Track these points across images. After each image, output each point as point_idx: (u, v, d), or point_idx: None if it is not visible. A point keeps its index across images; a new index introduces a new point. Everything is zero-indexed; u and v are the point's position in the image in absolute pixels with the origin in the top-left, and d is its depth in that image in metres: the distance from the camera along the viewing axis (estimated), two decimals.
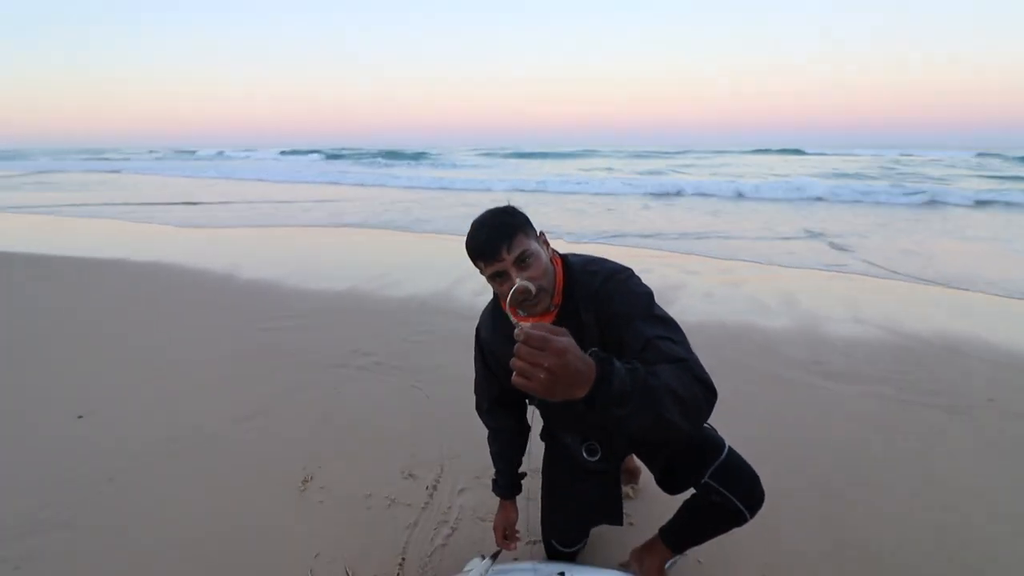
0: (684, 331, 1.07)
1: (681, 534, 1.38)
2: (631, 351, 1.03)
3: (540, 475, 1.53)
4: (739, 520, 1.24)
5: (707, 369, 0.97)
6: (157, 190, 14.41)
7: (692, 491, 1.32)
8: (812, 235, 7.09)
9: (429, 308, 4.00)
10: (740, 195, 12.10)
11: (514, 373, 0.75)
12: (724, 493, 1.21)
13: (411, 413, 2.50)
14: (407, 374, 2.90)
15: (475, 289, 4.34)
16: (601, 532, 1.64)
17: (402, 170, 22.27)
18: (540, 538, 1.54)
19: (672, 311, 1.12)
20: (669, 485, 1.37)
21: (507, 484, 1.49)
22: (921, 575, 1.57)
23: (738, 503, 1.21)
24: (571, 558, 1.52)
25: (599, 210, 9.97)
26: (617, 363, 0.82)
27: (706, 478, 1.23)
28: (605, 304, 1.14)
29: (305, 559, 1.63)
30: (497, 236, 1.10)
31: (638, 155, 34.43)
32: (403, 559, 1.62)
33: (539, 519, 1.51)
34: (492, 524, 1.55)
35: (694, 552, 1.52)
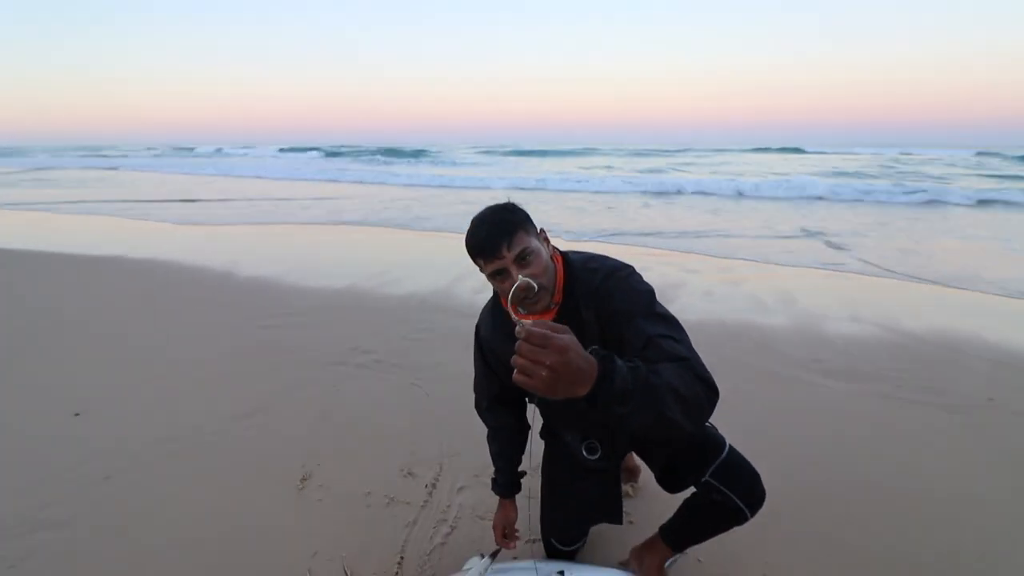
0: (685, 329, 1.06)
1: (681, 533, 1.37)
2: (632, 349, 1.02)
3: (540, 474, 1.52)
4: (740, 519, 1.23)
5: (707, 367, 0.96)
6: (155, 187, 14.38)
7: (692, 489, 1.31)
8: (812, 234, 7.09)
9: (429, 306, 3.99)
10: (740, 194, 12.09)
11: (515, 371, 0.75)
12: (725, 492, 1.21)
13: (410, 411, 2.50)
14: (407, 372, 2.89)
15: (475, 287, 4.33)
16: (600, 531, 1.64)
17: (401, 167, 22.25)
18: (539, 536, 1.54)
19: (672, 309, 1.12)
20: (669, 483, 1.36)
21: (506, 483, 1.48)
22: (919, 573, 1.56)
23: (739, 502, 1.20)
24: (570, 557, 1.51)
25: (599, 208, 9.96)
26: (619, 361, 0.81)
27: (707, 476, 1.22)
28: (606, 301, 1.13)
29: (303, 557, 1.62)
30: (497, 233, 1.09)
31: (638, 153, 34.40)
32: (402, 557, 1.61)
33: (539, 518, 1.51)
34: (491, 523, 1.54)
35: (694, 551, 1.51)
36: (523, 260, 1.09)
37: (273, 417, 2.44)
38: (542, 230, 1.19)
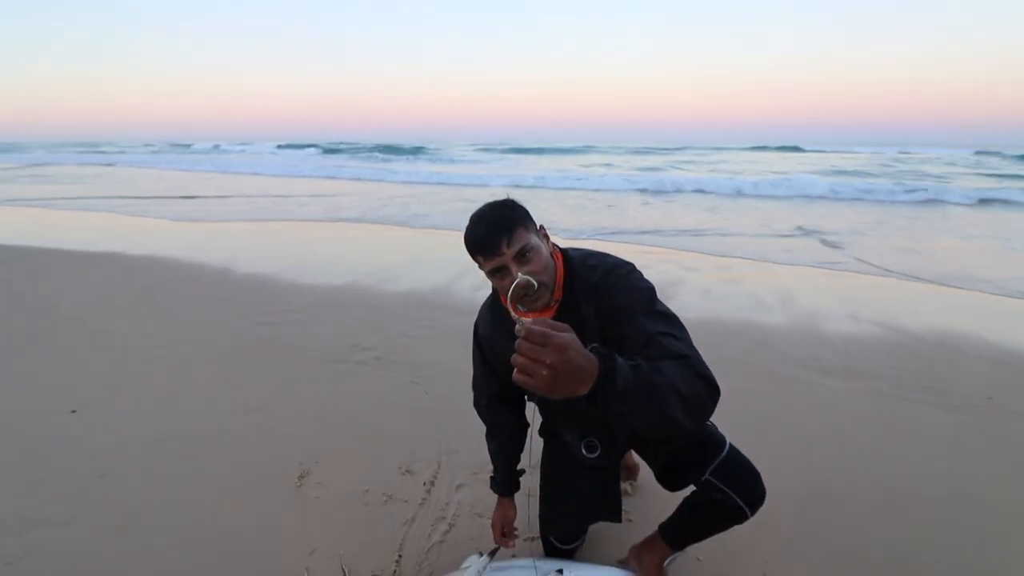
0: (686, 327, 1.06)
1: (681, 531, 1.37)
2: (633, 346, 1.02)
3: (539, 471, 1.52)
4: (740, 517, 1.22)
5: (708, 365, 0.96)
6: (152, 183, 14.34)
7: (691, 488, 1.31)
8: (810, 233, 7.09)
9: (428, 303, 3.98)
10: (738, 192, 12.09)
11: (515, 370, 0.74)
12: (725, 490, 1.20)
13: (409, 409, 2.49)
14: (406, 369, 2.88)
15: (474, 284, 4.32)
16: (599, 529, 1.63)
17: (400, 165, 22.21)
18: (538, 535, 1.54)
19: (671, 307, 1.11)
20: (669, 482, 1.36)
21: (505, 481, 1.48)
22: (919, 573, 1.56)
23: (739, 500, 1.20)
24: (569, 555, 1.51)
25: (598, 206, 9.96)
26: (620, 359, 0.80)
27: (707, 475, 1.22)
28: (605, 298, 1.12)
29: (301, 556, 1.61)
30: (497, 230, 1.07)
31: (637, 151, 34.36)
32: (400, 555, 1.61)
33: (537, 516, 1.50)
34: (490, 521, 1.54)
35: (693, 549, 1.51)
36: (523, 257, 1.08)
37: (271, 414, 2.43)
38: (541, 227, 1.18)
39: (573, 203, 10.45)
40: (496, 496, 1.51)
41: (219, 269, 4.98)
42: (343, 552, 1.62)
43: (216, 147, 44.75)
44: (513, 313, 0.79)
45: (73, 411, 2.44)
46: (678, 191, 12.54)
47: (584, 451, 1.34)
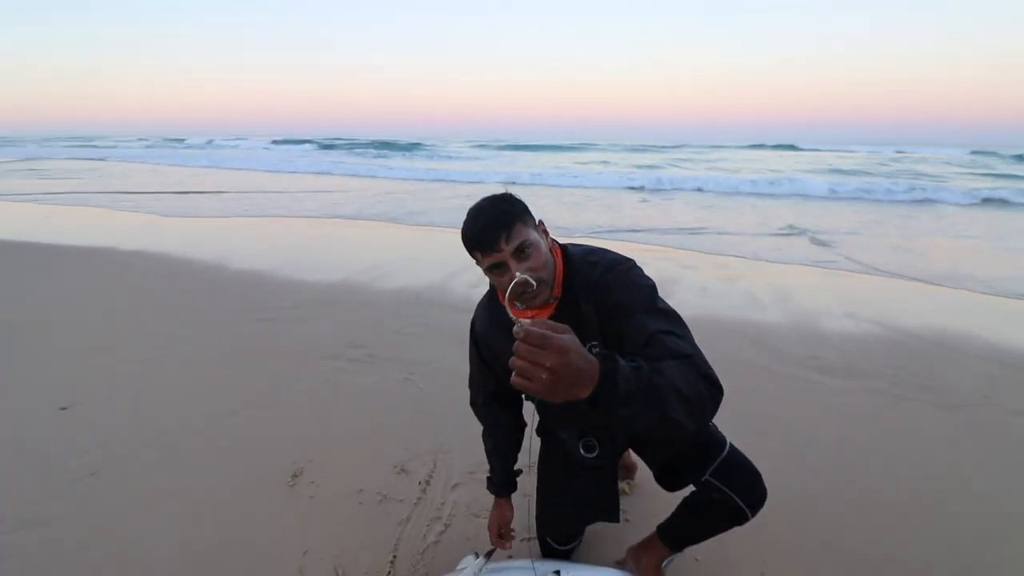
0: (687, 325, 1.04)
1: (680, 532, 1.35)
2: (633, 345, 0.99)
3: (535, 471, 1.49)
4: (740, 519, 1.21)
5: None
6: (146, 178, 14.21)
7: (690, 488, 1.29)
8: (806, 232, 7.08)
9: (423, 300, 3.95)
10: (735, 190, 12.09)
11: (513, 373, 0.71)
12: (725, 491, 1.18)
13: (404, 407, 2.46)
14: (400, 367, 2.86)
15: (470, 281, 4.30)
16: (596, 529, 1.61)
17: (396, 161, 22.10)
18: (535, 535, 1.51)
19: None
20: (668, 482, 1.34)
21: (502, 481, 1.45)
22: (917, 572, 1.55)
23: (739, 501, 1.18)
24: (566, 556, 1.49)
25: (594, 204, 9.93)
26: (621, 361, 0.77)
27: (707, 476, 1.20)
28: (605, 295, 1.10)
29: (294, 556, 1.59)
30: (495, 225, 1.05)
31: (634, 149, 34.33)
32: (394, 556, 1.58)
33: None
34: (486, 521, 1.51)
35: (691, 550, 1.49)
36: (522, 253, 1.05)
37: (264, 412, 2.40)
38: (540, 222, 1.15)
39: (570, 200, 10.42)
40: (493, 496, 1.49)
41: (212, 265, 4.94)
42: (337, 552, 1.60)
43: (210, 142, 44.43)
44: (511, 313, 0.76)
45: (63, 408, 2.40)
46: (675, 189, 12.54)
47: (582, 451, 1.32)
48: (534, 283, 1.03)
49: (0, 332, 3.29)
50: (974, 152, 30.62)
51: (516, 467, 1.48)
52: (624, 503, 1.73)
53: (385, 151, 29.25)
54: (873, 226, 7.66)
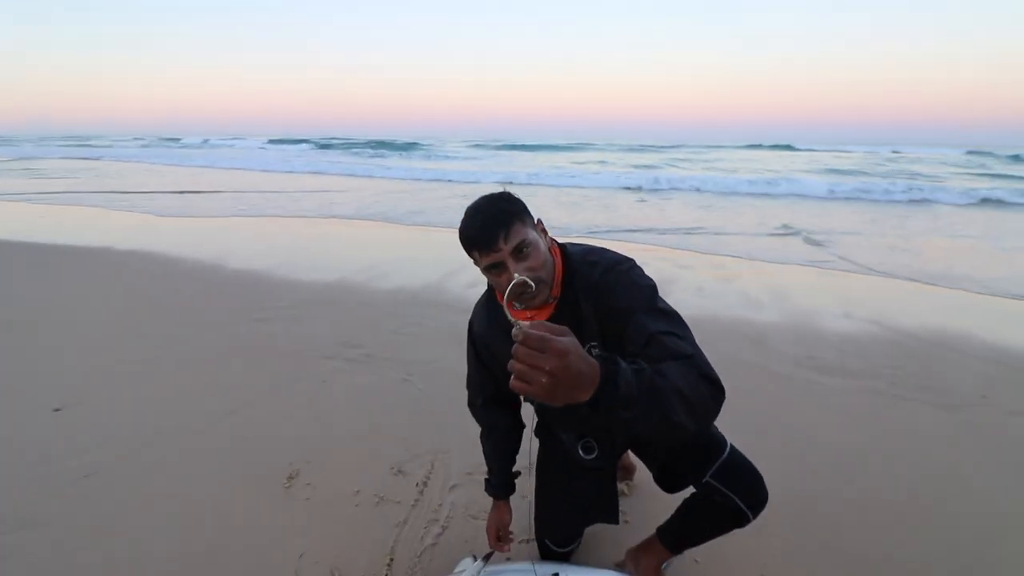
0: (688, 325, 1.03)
1: (680, 534, 1.34)
2: (634, 346, 0.98)
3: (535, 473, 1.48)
4: (741, 521, 1.20)
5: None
6: (141, 178, 14.14)
7: (690, 489, 1.28)
8: (795, 232, 7.08)
9: (420, 300, 3.93)
10: (732, 191, 12.10)
11: (512, 377, 0.69)
12: (726, 493, 1.17)
13: (401, 407, 2.45)
14: (397, 367, 2.84)
15: (468, 281, 4.28)
16: (595, 531, 1.60)
17: (393, 161, 22.06)
18: (533, 537, 1.50)
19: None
20: (668, 484, 1.33)
21: (500, 483, 1.44)
22: (916, 572, 1.55)
23: (741, 503, 1.17)
24: (565, 558, 1.48)
25: (592, 203, 9.92)
26: (622, 363, 0.76)
27: (707, 477, 1.19)
28: (605, 296, 1.08)
29: (290, 558, 1.57)
30: (493, 224, 1.03)
31: (632, 149, 34.34)
32: (391, 559, 1.57)
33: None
34: (484, 523, 1.50)
35: (691, 551, 1.48)
36: (520, 253, 1.04)
37: (260, 413, 2.38)
38: (539, 220, 1.14)
39: (567, 200, 10.41)
40: (491, 498, 1.47)
41: (209, 265, 4.91)
42: (333, 556, 1.58)
43: (206, 141, 44.25)
44: (509, 313, 0.74)
45: (57, 409, 2.38)
46: (672, 189, 12.54)
47: (581, 452, 1.31)
48: (533, 284, 1.02)
49: None
50: (970, 152, 30.71)
51: (515, 469, 1.47)
52: (623, 504, 1.72)
53: (382, 151, 29.18)
54: (868, 226, 7.67)
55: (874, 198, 10.94)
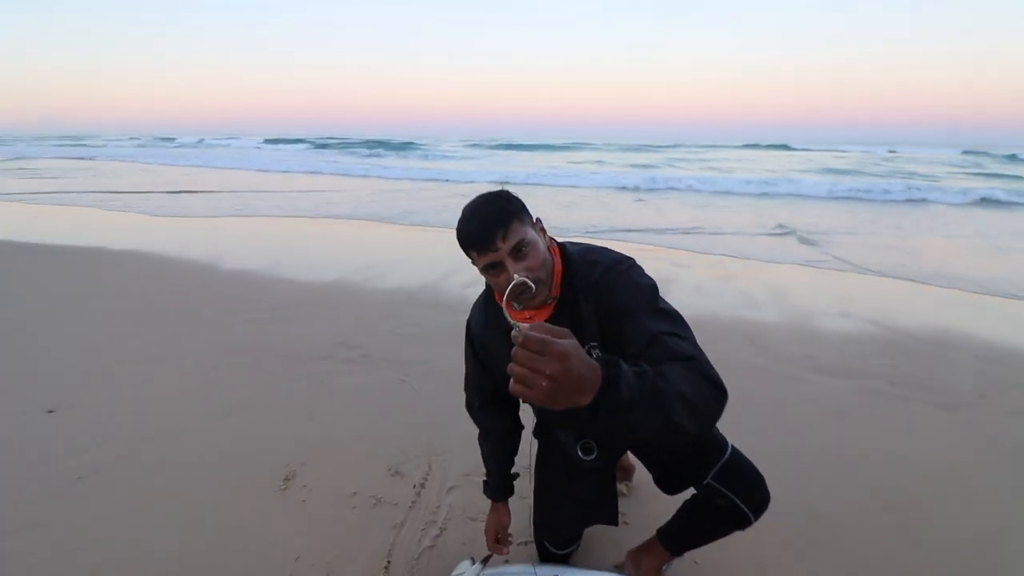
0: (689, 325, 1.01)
1: (680, 536, 1.33)
2: (635, 346, 0.97)
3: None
4: (743, 523, 1.18)
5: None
6: (136, 178, 14.07)
7: (691, 491, 1.27)
8: (790, 231, 7.09)
9: (417, 301, 3.92)
10: (729, 190, 12.12)
11: (512, 381, 0.67)
12: (727, 494, 1.16)
13: (398, 408, 2.43)
14: (394, 368, 2.82)
15: (465, 281, 4.26)
16: (594, 533, 1.59)
17: (390, 160, 22.02)
18: (532, 539, 1.49)
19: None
20: (668, 485, 1.32)
21: (499, 485, 1.42)
22: (916, 572, 1.54)
23: (742, 505, 1.16)
24: (564, 560, 1.46)
25: (589, 203, 9.92)
26: (624, 366, 0.74)
27: (708, 479, 1.18)
28: (605, 296, 1.07)
29: (286, 561, 1.56)
30: (492, 223, 1.01)
31: (629, 148, 34.36)
32: (389, 562, 1.55)
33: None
34: (482, 525, 1.49)
35: (691, 552, 1.47)
36: (519, 252, 1.02)
37: (256, 414, 2.36)
38: (538, 219, 1.12)
39: (564, 200, 10.41)
40: (489, 500, 1.46)
41: (204, 265, 4.88)
42: (329, 559, 1.57)
43: (201, 141, 44.09)
44: (508, 315, 0.73)
45: (50, 411, 2.35)
46: (670, 188, 12.55)
47: (580, 453, 1.29)
48: (532, 285, 1.00)
49: None
50: (966, 152, 30.84)
51: (513, 470, 1.45)
52: (623, 505, 1.71)
53: (379, 150, 29.12)
54: (864, 225, 7.68)
55: (871, 198, 10.97)
